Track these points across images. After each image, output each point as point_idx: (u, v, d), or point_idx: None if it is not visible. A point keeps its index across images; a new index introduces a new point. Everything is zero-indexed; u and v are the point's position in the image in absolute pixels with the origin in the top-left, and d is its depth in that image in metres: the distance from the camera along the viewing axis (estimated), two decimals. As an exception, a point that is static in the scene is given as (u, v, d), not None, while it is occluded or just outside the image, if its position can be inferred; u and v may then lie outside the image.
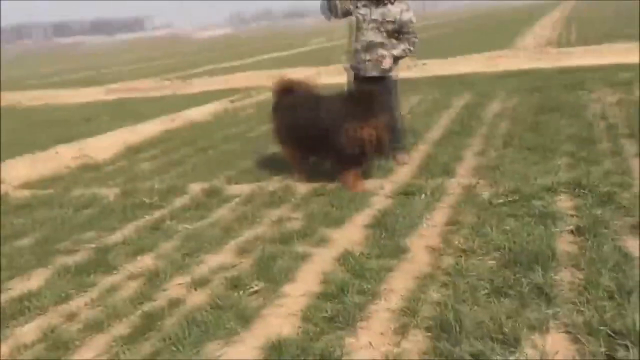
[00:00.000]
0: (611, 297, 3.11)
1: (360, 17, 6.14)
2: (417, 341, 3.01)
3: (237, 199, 5.77)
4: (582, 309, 3.05)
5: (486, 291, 3.36)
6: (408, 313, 3.24)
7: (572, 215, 4.36)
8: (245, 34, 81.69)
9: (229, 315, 3.44)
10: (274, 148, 7.76)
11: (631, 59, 12.19)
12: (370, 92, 5.51)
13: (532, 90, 10.15)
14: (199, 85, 18.30)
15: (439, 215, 4.76)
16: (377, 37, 6.16)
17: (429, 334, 3.05)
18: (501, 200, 4.79)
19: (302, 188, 5.81)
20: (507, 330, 2.86)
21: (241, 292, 3.74)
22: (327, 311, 3.36)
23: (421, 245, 4.22)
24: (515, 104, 9.04)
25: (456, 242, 4.13)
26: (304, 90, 6.22)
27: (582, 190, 4.77)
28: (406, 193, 5.26)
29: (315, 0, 6.56)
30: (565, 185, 4.94)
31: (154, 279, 4.12)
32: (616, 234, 3.92)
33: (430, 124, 8.24)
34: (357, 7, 6.14)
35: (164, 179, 6.81)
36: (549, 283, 3.31)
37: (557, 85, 10.31)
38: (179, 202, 5.91)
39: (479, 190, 5.13)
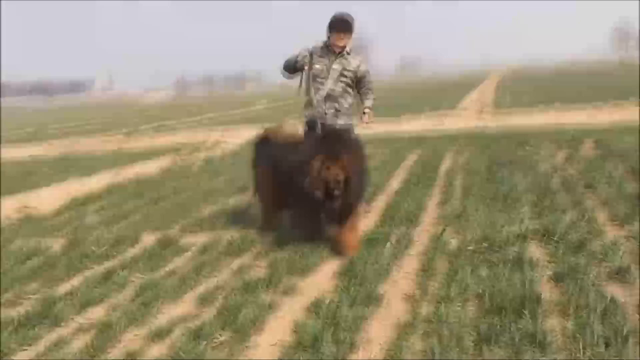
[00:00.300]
0: (607, 344, 2.96)
1: (320, 69, 6.08)
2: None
3: (193, 249, 5.47)
4: (579, 356, 2.88)
5: (472, 339, 3.17)
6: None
7: (547, 262, 4.27)
8: (188, 99, 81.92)
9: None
10: (230, 199, 7.60)
11: (567, 120, 12.98)
12: (339, 133, 5.34)
13: (481, 146, 10.33)
14: (144, 142, 17.92)
15: (410, 263, 4.58)
16: (337, 87, 6.10)
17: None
18: (471, 248, 4.67)
19: (263, 238, 5.54)
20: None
21: (205, 343, 3.41)
22: (301, 362, 3.08)
23: (395, 293, 4.01)
24: (468, 159, 9.12)
25: (431, 289, 3.94)
26: (283, 139, 5.87)
27: (551, 238, 4.70)
28: (372, 241, 5.07)
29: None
30: (534, 233, 4.87)
31: (106, 331, 3.76)
32: (596, 280, 3.81)
33: (387, 176, 8.17)
34: (312, 60, 6.08)
35: (113, 230, 6.42)
36: (541, 330, 3.13)
37: (504, 142, 10.54)
38: (131, 252, 5.55)
39: (446, 237, 4.99)
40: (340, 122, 6.20)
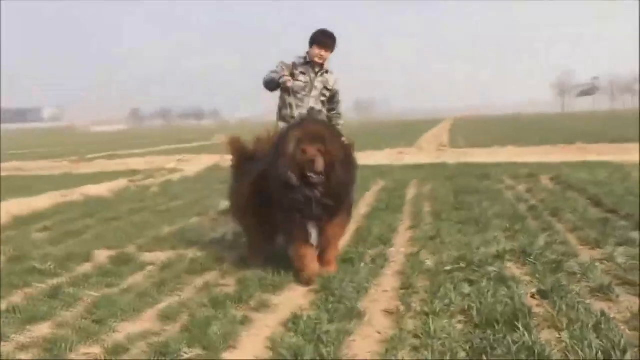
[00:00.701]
0: (606, 357, 2.77)
1: (301, 85, 5.87)
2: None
3: (151, 267, 5.08)
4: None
5: (466, 353, 2.92)
6: (383, 378, 2.71)
7: (528, 280, 4.11)
8: (142, 131, 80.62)
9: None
10: (192, 219, 7.25)
11: (521, 159, 13.17)
12: (317, 118, 4.93)
13: (444, 178, 10.33)
14: (96, 166, 17.30)
15: (387, 281, 4.35)
16: (318, 105, 5.94)
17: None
18: (449, 267, 4.47)
19: (228, 256, 5.20)
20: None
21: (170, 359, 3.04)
22: (283, 379, 2.76)
23: (376, 309, 3.76)
24: (432, 188, 9.05)
25: (414, 306, 3.69)
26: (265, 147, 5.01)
27: (528, 259, 4.57)
28: (346, 261, 4.80)
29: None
30: (511, 253, 4.75)
31: (52, 349, 3.34)
32: (580, 297, 3.64)
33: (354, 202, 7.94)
34: (294, 75, 5.87)
35: (61, 248, 5.94)
36: (538, 342, 2.91)
37: (466, 175, 10.54)
38: (82, 269, 5.11)
39: (422, 258, 4.79)
40: None
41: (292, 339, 3.24)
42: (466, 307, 3.56)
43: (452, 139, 26.74)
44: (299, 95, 5.82)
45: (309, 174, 4.18)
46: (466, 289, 3.92)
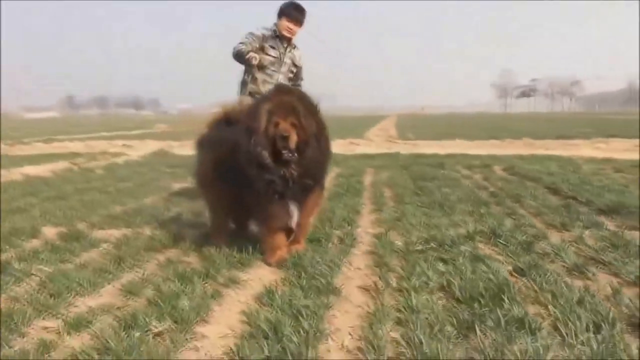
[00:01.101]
0: (597, 329, 2.72)
1: (271, 60, 5.67)
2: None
3: (105, 244, 4.80)
4: (571, 341, 2.61)
5: (453, 326, 2.82)
6: (370, 351, 2.58)
7: (502, 260, 4.04)
8: (78, 118, 78.00)
9: None
10: (145, 199, 6.97)
11: (471, 152, 13.35)
12: (291, 89, 4.30)
13: (400, 166, 10.32)
14: (34, 149, 16.54)
15: (359, 260, 4.22)
16: (285, 81, 5.76)
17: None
18: (420, 247, 4.37)
19: (188, 234, 4.96)
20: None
21: (138, 334, 2.83)
22: (264, 352, 2.59)
23: (352, 286, 3.63)
24: (390, 175, 8.99)
25: (391, 282, 3.58)
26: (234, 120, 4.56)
27: (498, 240, 4.52)
28: (314, 240, 4.65)
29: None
30: (481, 235, 4.68)
31: (7, 323, 3.06)
32: (558, 275, 3.61)
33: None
34: (264, 48, 5.66)
35: (4, 225, 5.55)
36: (528, 315, 2.85)
37: (419, 165, 10.53)
38: (29, 245, 4.78)
39: (391, 238, 4.68)
40: None
41: (269, 313, 3.07)
42: (445, 283, 3.47)
43: (400, 132, 26.94)
44: (267, 71, 5.63)
45: (283, 152, 3.86)
46: (441, 267, 3.84)
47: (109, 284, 3.77)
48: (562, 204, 5.92)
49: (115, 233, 5.17)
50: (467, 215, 5.53)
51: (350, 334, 2.86)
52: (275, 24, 5.70)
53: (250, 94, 5.71)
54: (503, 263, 3.92)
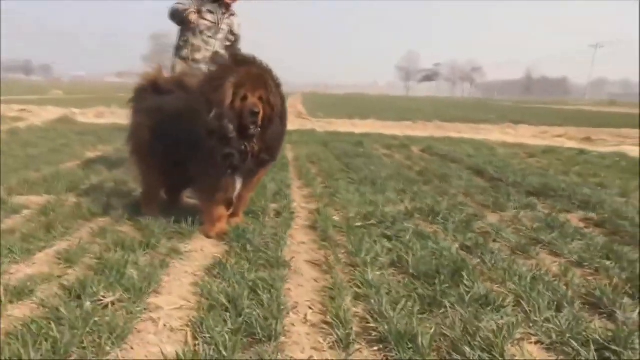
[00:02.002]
0: (559, 307, 2.83)
1: (208, 25, 5.45)
2: (365, 357, 2.35)
3: (28, 211, 4.49)
4: (536, 318, 2.69)
5: (416, 302, 2.83)
6: (338, 326, 2.55)
7: (444, 237, 4.09)
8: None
9: (92, 331, 2.39)
10: (62, 165, 6.59)
11: (385, 132, 13.64)
12: (255, 59, 3.92)
13: (319, 143, 10.32)
14: None
15: (301, 234, 4.18)
16: (222, 49, 5.56)
17: (376, 348, 2.41)
18: (360, 224, 4.37)
19: (116, 203, 4.72)
20: (479, 340, 2.37)
21: (88, 304, 2.66)
22: (227, 324, 2.51)
23: (300, 260, 3.57)
24: (310, 152, 8.92)
25: (340, 258, 3.56)
26: (174, 85, 4.42)
27: (436, 218, 4.58)
28: (250, 213, 4.55)
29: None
30: (420, 212, 4.73)
31: None
32: (505, 253, 3.72)
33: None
34: (201, 12, 5.42)
35: None
36: (491, 291, 2.92)
37: (338, 142, 10.53)
38: None
39: (329, 214, 4.65)
40: None
41: (221, 286, 2.97)
42: (396, 259, 3.48)
43: (309, 110, 26.91)
44: (204, 36, 5.42)
45: (250, 127, 3.72)
46: (387, 243, 3.84)
47: (40, 251, 3.53)
48: (490, 185, 6.11)
49: (36, 200, 4.85)
50: (400, 193, 5.59)
51: (310, 308, 2.82)
52: None
53: (183, 58, 5.48)
54: (449, 241, 3.96)
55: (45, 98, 28.87)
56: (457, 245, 3.83)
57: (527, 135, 14.14)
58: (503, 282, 3.14)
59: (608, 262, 3.59)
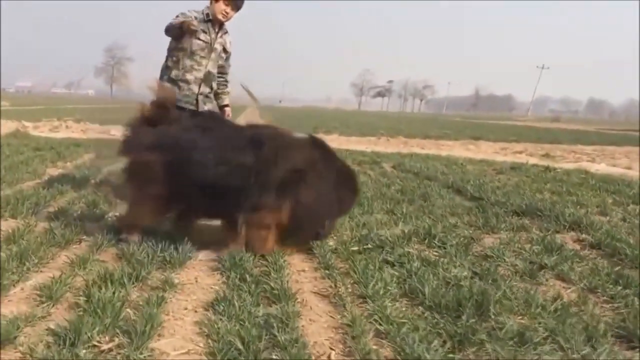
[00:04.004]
0: (590, 338, 2.67)
1: (201, 44, 5.18)
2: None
3: (-8, 238, 4.09)
4: (574, 356, 2.52)
5: (444, 340, 2.61)
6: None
7: (447, 262, 3.86)
8: None
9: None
10: (23, 185, 6.16)
11: (351, 147, 13.49)
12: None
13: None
14: None
15: (297, 261, 3.94)
16: (214, 69, 5.33)
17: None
18: (356, 248, 4.14)
19: (90, 228, 4.37)
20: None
21: (84, 352, 2.34)
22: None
23: (306, 291, 3.32)
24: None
25: (346, 288, 3.32)
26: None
27: (433, 241, 4.40)
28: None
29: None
30: (415, 235, 4.53)
31: None
32: (509, 278, 3.55)
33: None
34: (196, 32, 5.12)
35: None
36: (525, 328, 2.73)
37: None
38: None
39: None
40: (208, 107, 5.43)
41: (229, 324, 2.69)
42: (407, 289, 3.27)
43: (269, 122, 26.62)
44: (196, 57, 5.15)
45: None
46: (390, 270, 3.63)
47: (14, 286, 3.17)
48: (474, 205, 5.96)
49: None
50: (388, 214, 5.40)
51: (332, 349, 2.58)
52: (208, 7, 5.22)
53: (173, 80, 5.19)
54: (453, 267, 3.75)
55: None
56: (466, 273, 3.60)
57: (488, 152, 14.24)
58: (525, 314, 2.96)
59: (619, 288, 3.46)
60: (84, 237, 4.19)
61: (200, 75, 5.27)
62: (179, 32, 5.02)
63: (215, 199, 3.88)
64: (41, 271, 3.48)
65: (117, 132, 14.49)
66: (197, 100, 5.34)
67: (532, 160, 11.78)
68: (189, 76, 5.19)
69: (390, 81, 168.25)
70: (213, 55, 5.29)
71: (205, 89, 5.40)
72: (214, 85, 5.50)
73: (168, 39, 5.28)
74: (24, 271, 3.37)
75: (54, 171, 7.62)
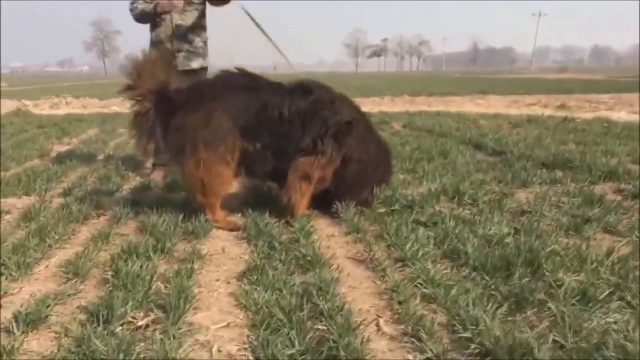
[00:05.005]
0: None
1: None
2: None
3: (9, 215, 3.98)
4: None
5: (502, 303, 2.43)
6: (426, 339, 2.15)
7: (483, 220, 3.63)
8: None
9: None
10: (31, 162, 6.01)
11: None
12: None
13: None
14: None
15: (324, 226, 3.81)
16: (186, 20, 4.97)
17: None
18: (384, 209, 3.96)
19: (107, 202, 4.24)
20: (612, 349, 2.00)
21: (120, 329, 2.21)
22: (294, 345, 2.10)
23: (340, 257, 3.17)
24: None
25: (381, 252, 3.16)
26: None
27: (462, 199, 4.21)
28: (259, 201, 4.14)
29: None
30: (444, 194, 4.35)
31: None
32: (553, 233, 3.36)
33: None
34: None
35: None
36: (588, 283, 2.56)
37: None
38: None
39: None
40: (194, 65, 5.08)
41: (266, 294, 2.54)
42: (446, 249, 3.12)
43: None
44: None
45: None
46: (424, 231, 3.44)
47: (38, 264, 3.04)
48: (498, 160, 5.77)
49: (15, 202, 4.32)
50: (408, 173, 5.22)
51: (379, 316, 2.43)
52: None
53: (153, 43, 4.97)
54: (491, 225, 3.50)
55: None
56: (507, 230, 3.39)
57: (499, 106, 13.96)
58: (581, 271, 2.78)
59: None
60: (102, 211, 4.06)
61: (169, 31, 4.96)
62: (153, 15, 4.85)
63: (275, 156, 3.76)
64: (63, 247, 3.35)
65: (117, 107, 14.32)
66: (176, 58, 4.98)
67: (548, 112, 11.52)
68: (162, 35, 4.94)
69: (385, 39, 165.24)
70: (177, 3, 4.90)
71: (181, 45, 4.99)
72: (195, 37, 5.04)
73: None
74: (46, 248, 3.24)
75: (60, 147, 7.47)
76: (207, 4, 5.04)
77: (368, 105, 14.39)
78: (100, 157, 6.55)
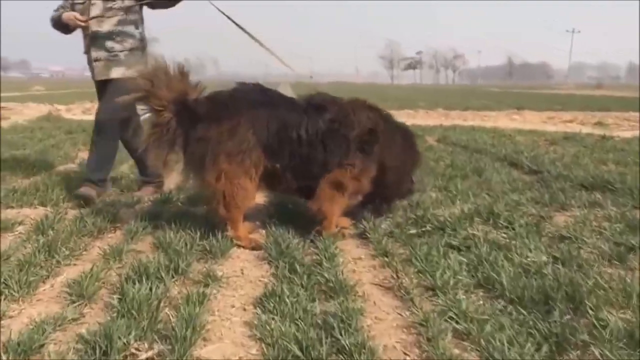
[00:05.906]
0: None
1: (79, 6, 4.63)
2: None
3: (22, 227, 3.84)
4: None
5: (542, 343, 2.17)
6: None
7: (519, 246, 3.38)
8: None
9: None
10: (49, 171, 5.89)
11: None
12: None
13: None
14: None
15: (350, 247, 3.57)
16: (106, 24, 4.62)
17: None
18: (415, 231, 3.71)
19: (124, 215, 4.08)
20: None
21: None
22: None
23: (365, 283, 2.94)
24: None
25: (410, 279, 2.91)
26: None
27: (497, 221, 3.94)
28: (282, 219, 3.92)
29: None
30: (477, 215, 4.08)
31: None
32: (595, 263, 3.09)
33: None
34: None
35: None
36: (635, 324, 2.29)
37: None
38: None
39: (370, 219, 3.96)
40: (114, 75, 4.66)
41: (281, 324, 2.32)
42: (480, 278, 2.86)
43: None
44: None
45: None
46: (456, 255, 3.19)
47: (44, 282, 2.88)
48: (534, 179, 5.49)
49: (29, 213, 4.18)
50: (441, 191, 4.95)
51: (406, 354, 2.19)
52: None
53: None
54: (530, 251, 3.27)
55: (26, 94, 27.95)
56: (545, 258, 3.14)
57: (535, 122, 13.57)
58: (627, 307, 2.50)
59: None
60: (118, 224, 3.89)
61: (87, 40, 4.69)
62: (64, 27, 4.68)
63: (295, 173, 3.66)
64: (73, 264, 3.18)
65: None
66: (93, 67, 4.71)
67: (585, 130, 11.11)
68: (86, 40, 4.70)
69: (420, 52, 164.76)
70: (94, 10, 4.59)
71: (98, 53, 4.64)
72: (115, 45, 4.64)
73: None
74: (54, 265, 3.08)
75: (85, 154, 7.35)
76: (145, 8, 4.81)
77: (402, 118, 14.07)
78: (124, 166, 6.41)
